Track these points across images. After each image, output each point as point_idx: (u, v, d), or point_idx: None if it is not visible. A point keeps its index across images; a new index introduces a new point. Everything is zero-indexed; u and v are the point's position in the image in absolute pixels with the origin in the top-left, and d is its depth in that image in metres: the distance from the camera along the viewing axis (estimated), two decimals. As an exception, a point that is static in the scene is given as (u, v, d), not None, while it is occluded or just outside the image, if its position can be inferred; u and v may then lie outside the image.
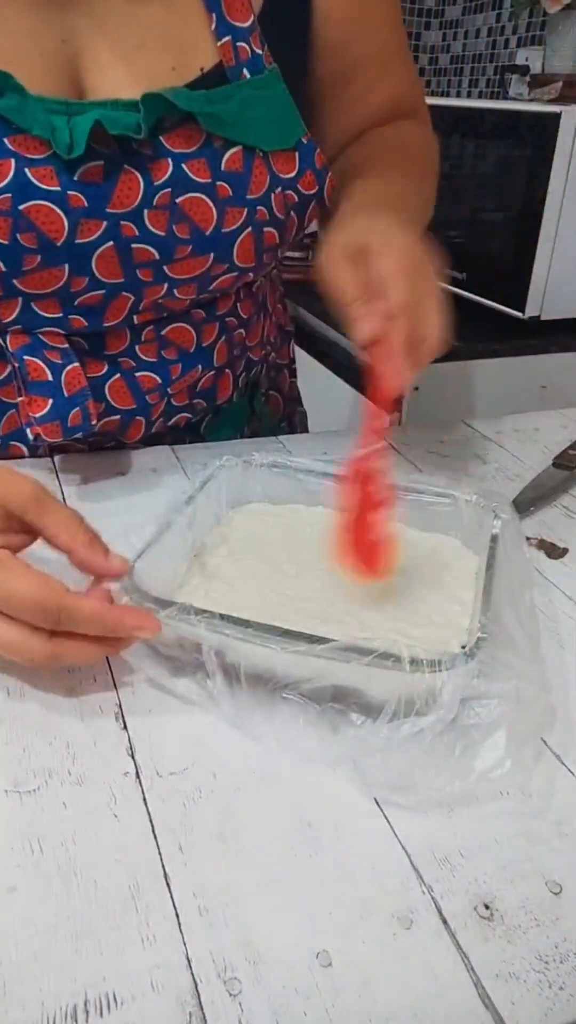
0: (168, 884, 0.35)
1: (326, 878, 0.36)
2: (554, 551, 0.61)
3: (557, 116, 1.30)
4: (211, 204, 0.61)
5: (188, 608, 0.43)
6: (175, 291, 0.64)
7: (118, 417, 0.69)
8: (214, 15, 0.61)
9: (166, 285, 0.63)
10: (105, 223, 0.59)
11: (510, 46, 2.21)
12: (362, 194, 0.64)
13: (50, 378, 0.63)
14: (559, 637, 0.52)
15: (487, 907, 0.35)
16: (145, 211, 0.59)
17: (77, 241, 0.58)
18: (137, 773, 0.41)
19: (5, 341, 0.63)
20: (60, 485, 0.68)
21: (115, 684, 0.46)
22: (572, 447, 0.76)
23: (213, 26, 0.61)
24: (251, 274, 0.67)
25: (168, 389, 0.70)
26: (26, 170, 0.56)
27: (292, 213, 0.65)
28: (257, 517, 0.60)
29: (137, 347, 0.68)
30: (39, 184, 0.56)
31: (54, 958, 0.32)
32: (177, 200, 0.59)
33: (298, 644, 0.41)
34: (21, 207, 0.56)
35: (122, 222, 0.59)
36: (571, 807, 0.40)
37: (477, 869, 0.37)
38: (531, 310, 1.43)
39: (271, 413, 0.86)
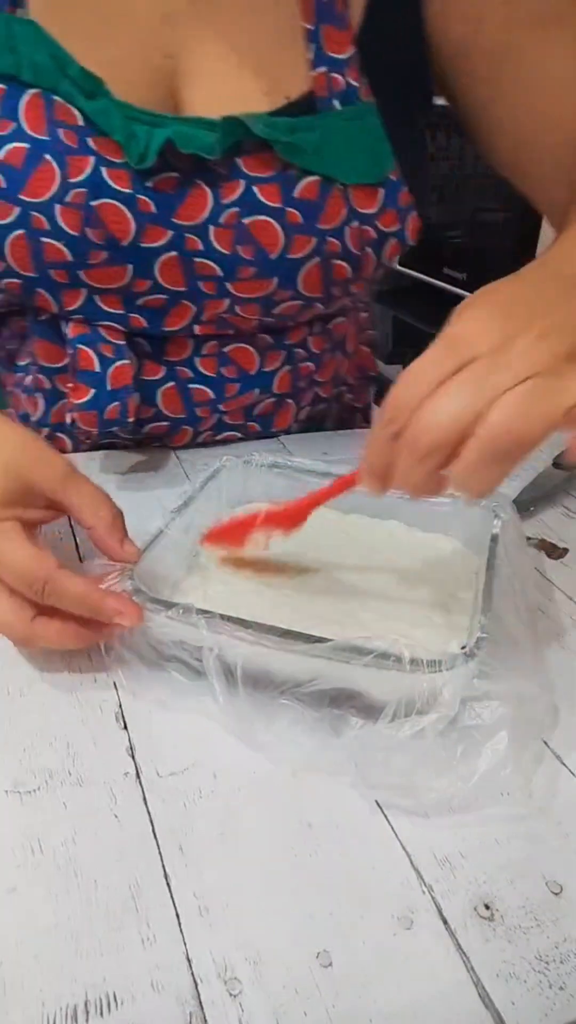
0: (168, 884, 0.35)
1: (326, 878, 0.36)
2: (554, 551, 0.61)
3: (557, 116, 1.29)
4: (279, 229, 0.61)
5: (188, 608, 0.43)
6: (237, 308, 0.65)
7: (167, 424, 0.71)
8: (313, 45, 0.62)
9: (228, 301, 0.64)
10: (170, 232, 0.60)
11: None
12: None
13: (97, 369, 0.64)
14: (560, 637, 0.52)
15: (487, 907, 0.35)
16: (211, 227, 0.60)
17: (142, 244, 0.60)
18: (137, 773, 0.41)
19: (67, 328, 0.65)
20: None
21: (115, 684, 0.46)
22: (572, 447, 0.76)
23: (311, 55, 0.62)
24: (319, 305, 0.67)
25: (220, 406, 0.71)
26: (102, 169, 0.58)
27: (368, 248, 0.65)
28: (257, 517, 0.60)
29: (197, 359, 0.69)
30: (112, 184, 0.58)
31: (54, 958, 0.32)
32: (244, 220, 0.60)
33: (297, 644, 0.41)
34: (93, 203, 0.58)
35: (187, 234, 0.60)
36: (572, 808, 0.40)
37: (477, 869, 0.37)
38: (531, 310, 1.43)
39: None
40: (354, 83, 0.62)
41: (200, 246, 0.61)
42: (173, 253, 0.61)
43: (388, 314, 1.65)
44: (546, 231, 1.37)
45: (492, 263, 1.51)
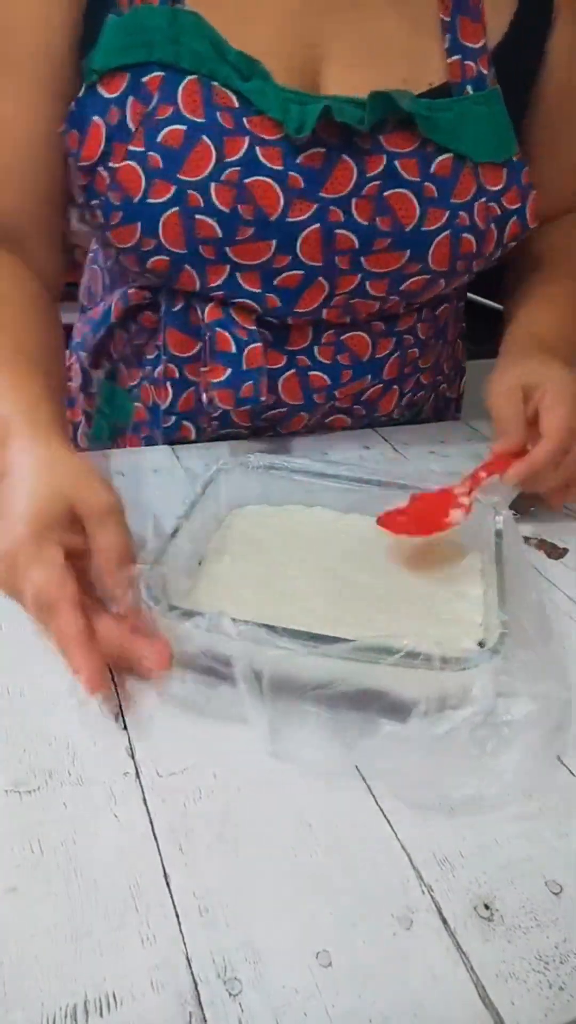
0: (168, 884, 0.35)
1: (326, 878, 0.36)
2: (554, 551, 0.61)
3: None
4: (415, 201, 0.65)
5: (218, 616, 0.41)
6: (367, 284, 0.68)
7: (285, 410, 0.75)
8: (448, 36, 0.67)
9: (359, 276, 0.67)
10: (315, 206, 0.64)
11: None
12: (522, 330, 0.73)
13: (233, 350, 0.68)
14: (560, 637, 0.52)
15: (487, 907, 0.35)
16: (353, 199, 0.64)
17: (288, 219, 0.64)
18: (137, 773, 0.41)
19: (202, 313, 0.68)
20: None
21: (115, 684, 0.46)
22: (572, 447, 0.76)
23: (446, 45, 0.67)
24: (442, 280, 0.70)
25: (335, 392, 0.75)
26: (256, 148, 0.62)
27: (492, 225, 0.69)
28: (257, 520, 0.59)
29: (316, 348, 0.72)
30: (265, 162, 0.62)
31: (54, 958, 0.32)
32: (385, 193, 0.64)
33: (325, 647, 0.40)
34: (246, 181, 0.62)
35: (331, 207, 0.64)
36: (571, 808, 0.40)
37: (477, 869, 0.37)
38: (531, 310, 1.43)
39: None
40: (484, 71, 0.68)
41: (342, 218, 0.64)
42: (316, 226, 0.64)
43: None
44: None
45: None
